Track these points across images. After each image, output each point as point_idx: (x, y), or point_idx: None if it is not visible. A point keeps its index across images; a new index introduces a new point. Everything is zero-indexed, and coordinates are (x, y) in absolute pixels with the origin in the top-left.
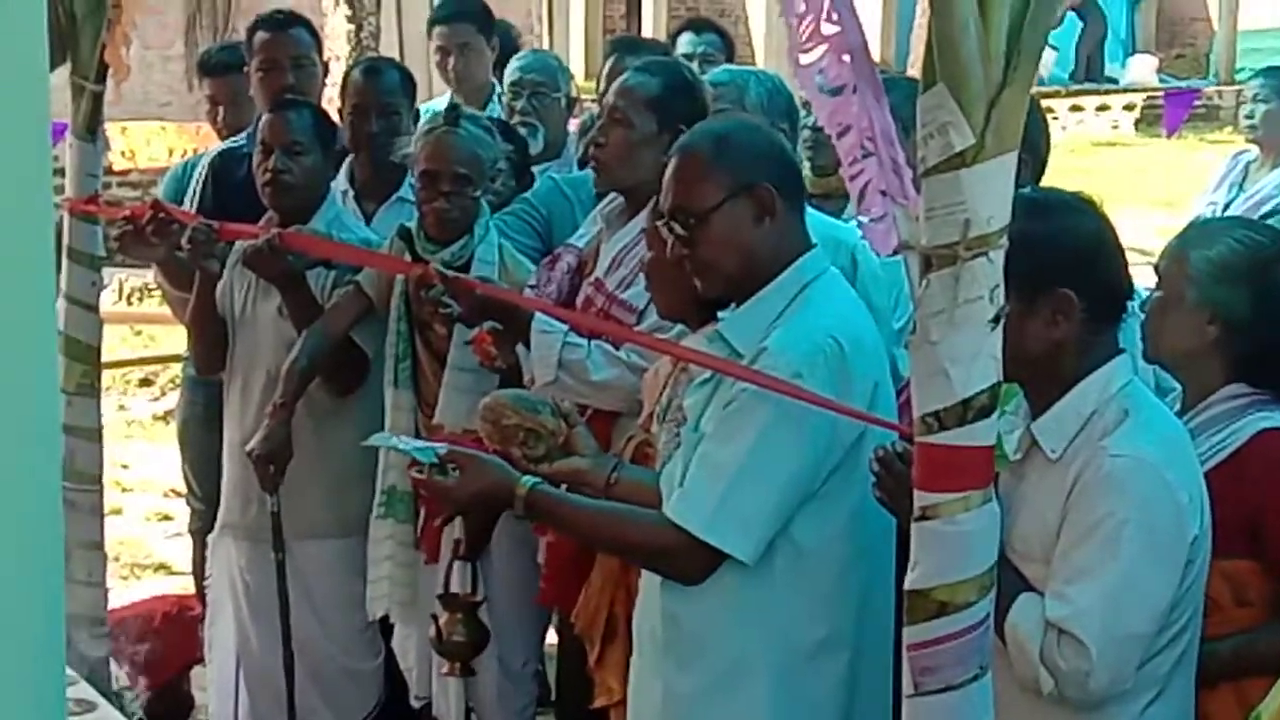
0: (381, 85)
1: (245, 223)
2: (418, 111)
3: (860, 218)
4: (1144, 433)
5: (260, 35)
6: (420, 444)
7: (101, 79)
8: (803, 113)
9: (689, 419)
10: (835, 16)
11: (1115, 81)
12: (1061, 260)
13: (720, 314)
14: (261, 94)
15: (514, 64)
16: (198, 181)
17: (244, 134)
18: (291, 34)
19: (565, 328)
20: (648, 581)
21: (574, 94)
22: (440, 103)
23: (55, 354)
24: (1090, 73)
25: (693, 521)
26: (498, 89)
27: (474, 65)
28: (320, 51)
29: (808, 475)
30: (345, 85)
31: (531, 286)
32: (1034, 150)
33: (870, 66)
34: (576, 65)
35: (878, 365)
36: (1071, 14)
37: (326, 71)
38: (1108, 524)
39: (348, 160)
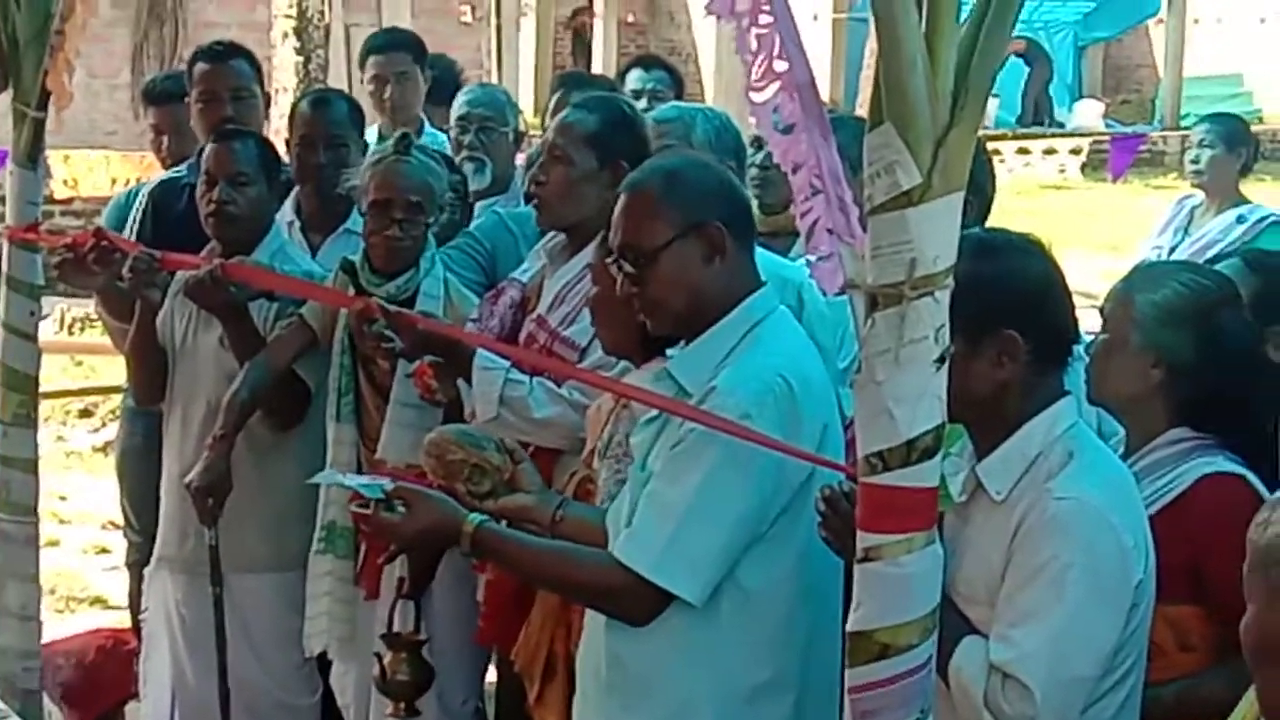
0: (329, 117)
1: (186, 253)
2: (366, 144)
3: (808, 256)
4: (1089, 475)
5: (200, 66)
6: (366, 480)
7: (43, 106)
8: (750, 150)
9: (635, 457)
10: (785, 54)
11: (1062, 125)
12: (1008, 302)
13: (669, 351)
14: (200, 125)
15: (461, 98)
16: (137, 211)
17: (185, 164)
18: (231, 65)
19: (507, 364)
20: (592, 621)
21: (522, 128)
22: (368, 135)
23: None
24: (1037, 116)
25: (641, 562)
26: (427, 124)
27: (409, 95)
28: (261, 83)
29: (755, 516)
30: (293, 116)
31: (474, 320)
32: (979, 191)
33: (818, 104)
34: (525, 100)
35: (827, 405)
36: (1017, 59)
37: (268, 103)
38: (1052, 567)
39: (294, 191)
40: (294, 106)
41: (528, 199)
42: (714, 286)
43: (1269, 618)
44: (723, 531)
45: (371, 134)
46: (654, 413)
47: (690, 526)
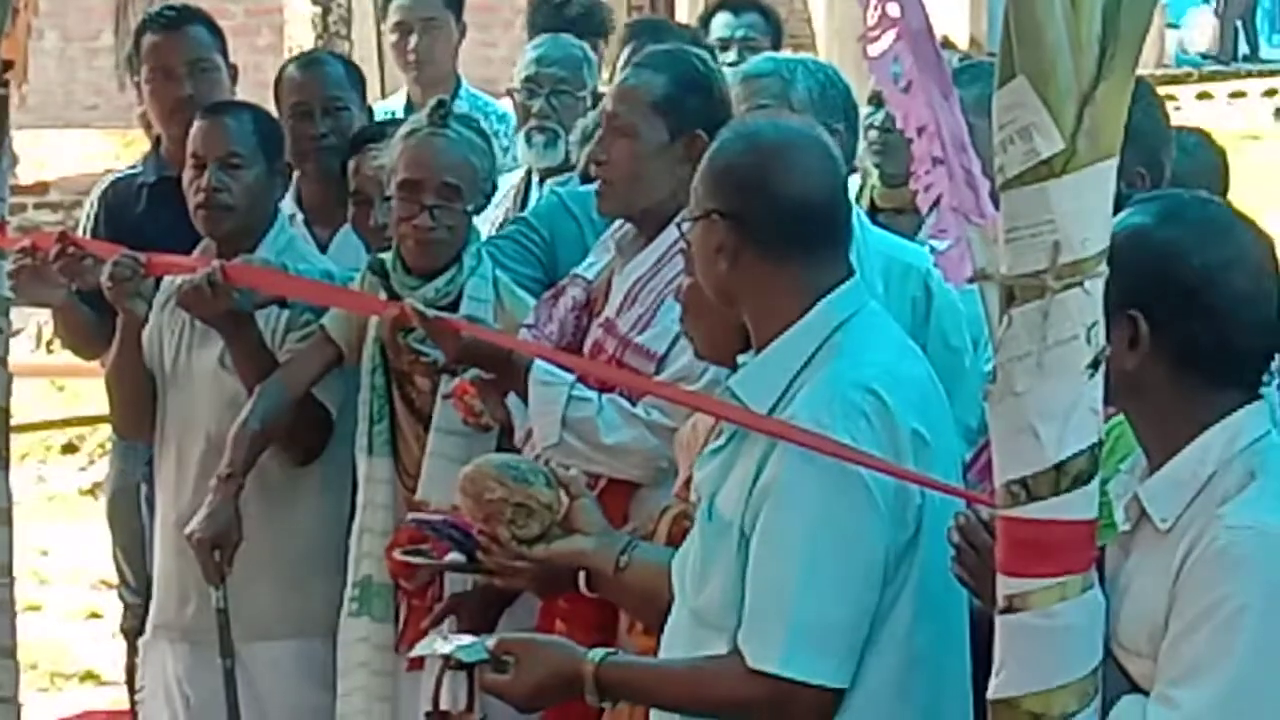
0: (325, 78)
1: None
2: (370, 112)
3: (931, 241)
4: (1272, 499)
5: (149, 39)
6: (464, 640)
7: (3, 80)
8: (869, 109)
9: (701, 499)
10: None
11: (1265, 61)
12: (1142, 278)
13: (740, 358)
14: (155, 108)
15: (529, 54)
16: (87, 218)
17: (143, 160)
18: (186, 33)
19: (571, 378)
20: None
21: (599, 89)
22: (396, 102)
23: None
24: (1234, 51)
25: (768, 659)
26: (464, 84)
27: (439, 48)
28: (225, 52)
29: (879, 561)
30: (279, 85)
31: (529, 326)
32: (1150, 155)
33: (935, 54)
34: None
35: (932, 416)
36: None
37: (235, 76)
38: (1222, 610)
39: (295, 177)
40: (280, 73)
41: (585, 179)
42: (733, 286)
43: None
44: (847, 592)
45: (399, 102)
46: (720, 441)
47: (807, 599)
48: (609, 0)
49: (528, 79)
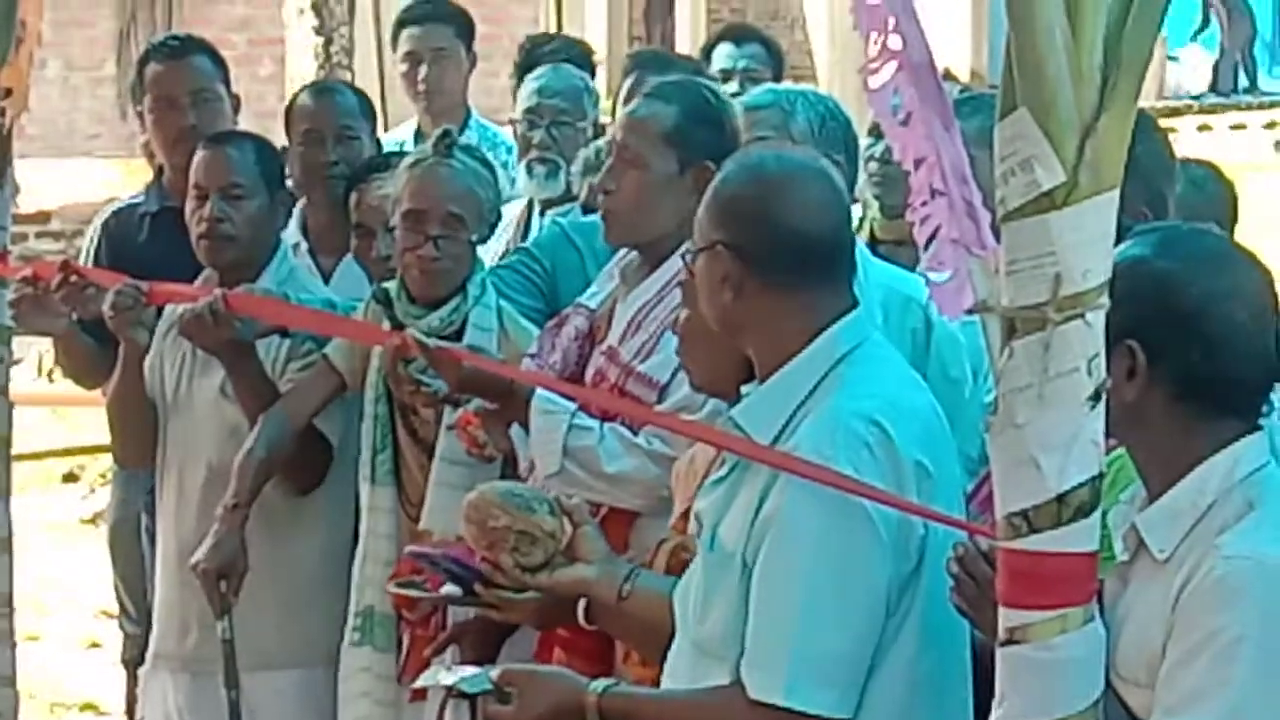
0: (337, 106)
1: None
2: (379, 143)
3: (926, 273)
4: (1270, 529)
5: (152, 68)
6: (467, 672)
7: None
8: (868, 140)
9: (703, 530)
10: (899, 26)
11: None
12: (1143, 306)
13: (744, 389)
14: (158, 137)
15: (530, 85)
16: (89, 247)
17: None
18: (190, 63)
19: (573, 407)
20: None
21: (600, 119)
22: (405, 132)
23: None
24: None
25: (771, 690)
26: (474, 115)
27: (449, 78)
28: (228, 82)
29: (883, 590)
30: (290, 112)
31: (532, 355)
32: (1152, 188)
33: (937, 86)
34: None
35: (935, 446)
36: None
37: (238, 106)
38: (1218, 641)
39: (299, 206)
40: (292, 101)
41: (586, 210)
42: (737, 317)
43: None
44: (850, 623)
45: (408, 132)
46: (722, 471)
47: (811, 630)
48: (610, 27)
49: (528, 110)
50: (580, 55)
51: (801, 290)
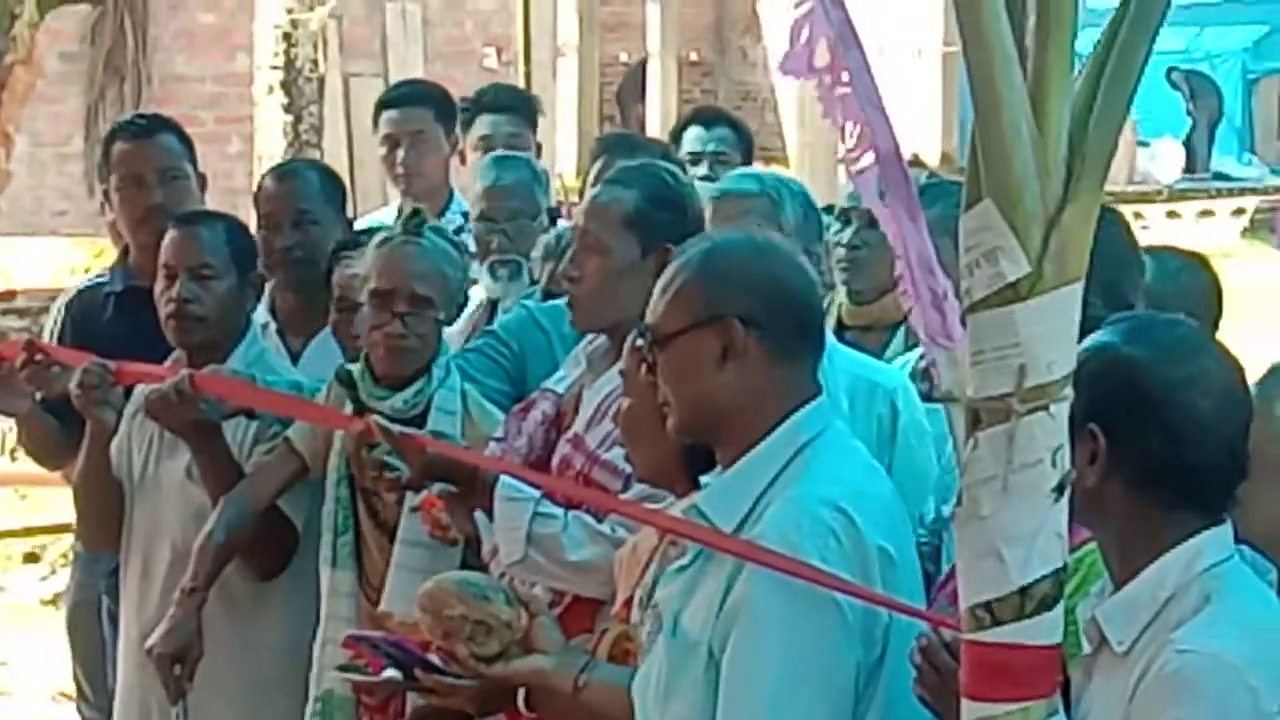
0: (295, 190)
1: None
2: (350, 223)
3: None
4: (1225, 625)
5: (119, 147)
6: None
7: None
8: (836, 225)
9: (664, 619)
10: (865, 118)
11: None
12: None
13: (704, 479)
14: (124, 216)
15: (480, 186)
16: (52, 328)
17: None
18: (157, 141)
19: (537, 494)
20: None
21: (560, 196)
22: (387, 214)
23: None
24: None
25: None
26: (456, 196)
27: (427, 161)
28: (194, 160)
29: (850, 681)
30: (256, 195)
31: (498, 440)
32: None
33: (903, 175)
34: (567, 162)
35: (895, 534)
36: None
37: (204, 185)
38: None
39: (269, 287)
40: (259, 185)
41: (548, 295)
42: (726, 394)
43: None
44: (820, 713)
45: (390, 214)
46: (685, 559)
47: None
48: (580, 106)
49: (481, 215)
50: (518, 100)
51: (793, 361)
